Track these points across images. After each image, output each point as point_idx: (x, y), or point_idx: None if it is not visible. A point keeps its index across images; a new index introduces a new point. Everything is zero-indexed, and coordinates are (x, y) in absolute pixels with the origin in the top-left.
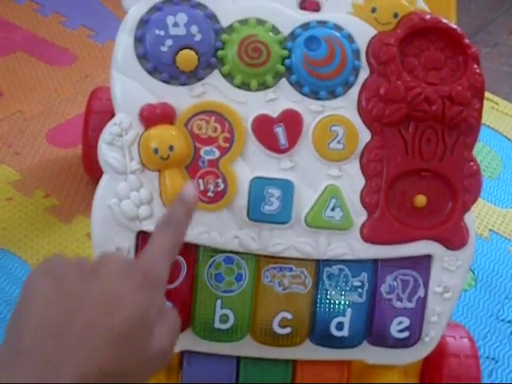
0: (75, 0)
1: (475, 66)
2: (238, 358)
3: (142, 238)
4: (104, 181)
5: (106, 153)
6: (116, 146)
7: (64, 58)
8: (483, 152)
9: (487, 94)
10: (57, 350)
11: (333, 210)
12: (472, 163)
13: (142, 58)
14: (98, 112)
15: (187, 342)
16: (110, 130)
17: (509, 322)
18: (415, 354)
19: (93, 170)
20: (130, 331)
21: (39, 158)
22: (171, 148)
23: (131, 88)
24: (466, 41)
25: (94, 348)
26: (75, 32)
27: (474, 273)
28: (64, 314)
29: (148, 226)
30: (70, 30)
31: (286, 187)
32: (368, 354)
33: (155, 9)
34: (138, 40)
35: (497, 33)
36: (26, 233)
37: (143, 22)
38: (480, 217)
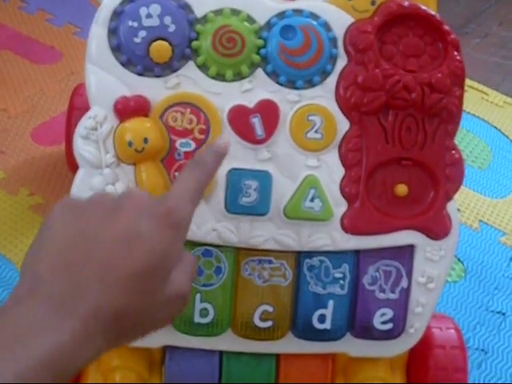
0: None
1: (455, 53)
2: (221, 353)
3: None
4: (80, 175)
5: (81, 147)
6: (91, 140)
7: (49, 56)
8: (473, 143)
9: (477, 85)
10: (74, 284)
11: (312, 200)
12: (454, 151)
13: (116, 50)
14: (81, 109)
15: (168, 337)
16: (84, 123)
17: (498, 312)
18: (400, 346)
19: (76, 167)
20: (149, 268)
21: (24, 157)
22: (146, 140)
23: (105, 81)
24: (446, 27)
25: (111, 283)
26: (61, 29)
27: (463, 264)
28: (83, 248)
29: None
30: (55, 27)
31: (264, 178)
32: (351, 346)
33: (129, 0)
34: (112, 32)
35: (487, 23)
36: (11, 231)
37: (117, 14)
38: (470, 208)
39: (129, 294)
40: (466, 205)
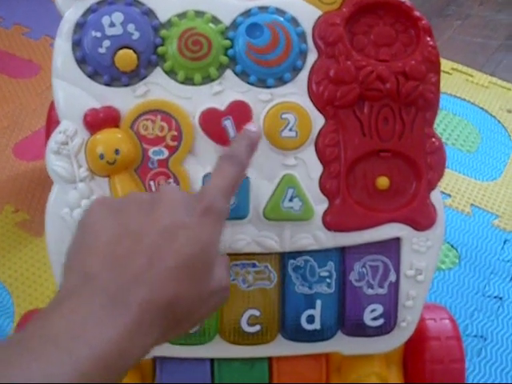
0: (38, 10)
1: (428, 39)
2: (212, 360)
3: None
4: (54, 191)
5: (54, 162)
6: (63, 155)
7: (27, 70)
8: (460, 126)
9: (461, 67)
10: (125, 277)
11: (291, 200)
12: (434, 139)
13: (82, 62)
14: (59, 122)
15: (156, 348)
16: (55, 138)
17: (496, 297)
18: (393, 341)
19: None
20: (195, 256)
21: (7, 173)
22: (117, 152)
23: (73, 94)
24: (417, 13)
25: (162, 274)
26: (38, 42)
27: (457, 250)
28: (129, 242)
29: None
30: (33, 40)
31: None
32: (343, 345)
33: (90, 10)
34: (76, 44)
35: (468, 4)
36: None
37: (79, 26)
38: (460, 192)
39: (179, 282)
40: (456, 190)
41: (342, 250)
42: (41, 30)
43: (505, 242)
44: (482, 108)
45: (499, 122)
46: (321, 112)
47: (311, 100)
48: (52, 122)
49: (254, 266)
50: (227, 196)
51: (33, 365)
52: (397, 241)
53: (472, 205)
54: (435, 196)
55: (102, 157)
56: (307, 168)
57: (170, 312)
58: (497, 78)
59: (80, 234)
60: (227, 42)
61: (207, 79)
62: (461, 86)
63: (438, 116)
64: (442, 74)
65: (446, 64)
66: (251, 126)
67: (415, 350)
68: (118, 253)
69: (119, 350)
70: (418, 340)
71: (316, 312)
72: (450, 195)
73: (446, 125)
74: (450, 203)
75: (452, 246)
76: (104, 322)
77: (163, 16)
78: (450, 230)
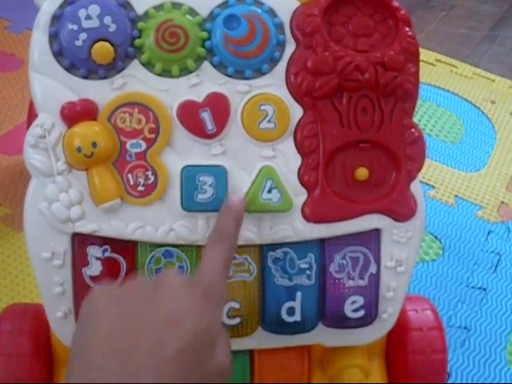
0: (20, 4)
1: (407, 29)
2: None
3: (78, 240)
4: (32, 185)
5: (32, 156)
6: (40, 148)
7: (10, 64)
8: (444, 117)
9: (445, 58)
10: (127, 369)
11: (269, 192)
12: (413, 130)
13: (58, 55)
14: None
15: None
16: (32, 132)
17: (479, 288)
18: (374, 333)
19: None
20: (197, 343)
21: None
22: (94, 145)
23: (50, 87)
24: (395, 4)
25: (163, 365)
26: (21, 36)
27: (441, 242)
28: (130, 334)
29: (81, 227)
30: (15, 34)
31: (219, 173)
32: (325, 337)
33: (67, 3)
34: (53, 37)
35: None
36: None
37: (56, 18)
38: (444, 184)
39: (181, 371)
40: (440, 181)
41: (322, 242)
42: (23, 24)
43: (488, 233)
44: (465, 99)
45: (483, 112)
46: (299, 103)
47: (289, 91)
48: (33, 116)
49: (233, 258)
50: (223, 276)
51: None
52: (377, 232)
53: (456, 196)
54: (415, 187)
55: (79, 150)
56: (286, 159)
57: None
58: (481, 69)
59: (82, 324)
60: (204, 34)
61: (185, 71)
62: (445, 77)
63: (422, 107)
64: (426, 66)
65: (430, 55)
66: (233, 198)
67: (397, 341)
68: (120, 344)
69: None
70: (400, 331)
71: (296, 304)
72: (433, 186)
73: (430, 116)
74: (434, 194)
75: (436, 238)
76: None
77: (140, 8)
78: (434, 221)
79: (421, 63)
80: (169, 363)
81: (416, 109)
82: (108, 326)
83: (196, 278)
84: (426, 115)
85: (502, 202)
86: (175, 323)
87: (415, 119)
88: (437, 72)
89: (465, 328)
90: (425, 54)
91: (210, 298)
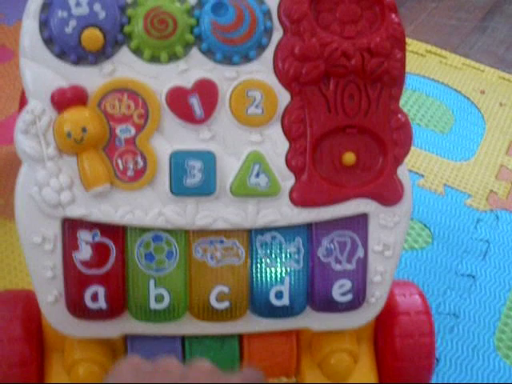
0: None
1: (393, 16)
2: (183, 338)
3: (68, 225)
4: (23, 170)
5: (22, 141)
6: (31, 134)
7: (1, 55)
8: (434, 107)
9: (435, 49)
10: None
11: (257, 176)
12: (400, 115)
13: (49, 41)
14: None
15: (126, 325)
16: (23, 118)
17: (468, 275)
18: (362, 317)
19: None
20: None
21: None
22: (84, 130)
23: (41, 73)
24: None
25: None
26: (12, 28)
27: (430, 230)
28: None
29: (72, 212)
30: (6, 26)
31: (207, 158)
32: (313, 321)
33: None
34: (43, 24)
35: None
36: None
37: (46, 5)
38: (433, 172)
39: None
40: (429, 170)
41: (310, 226)
42: (14, 16)
43: (477, 221)
44: (455, 89)
45: (472, 102)
46: (286, 89)
47: (277, 77)
48: (24, 104)
49: (221, 242)
50: None
51: None
52: (364, 216)
53: (445, 185)
54: (402, 172)
55: (69, 135)
56: (273, 144)
57: None
58: (470, 60)
59: None
60: (193, 21)
61: (173, 57)
62: (435, 67)
63: (412, 97)
64: (416, 56)
65: (420, 46)
66: None
67: (385, 325)
68: None
69: None
70: (388, 315)
71: (284, 288)
72: (423, 175)
73: (420, 106)
74: (423, 183)
75: (425, 226)
76: None
77: None
78: (423, 209)
79: (411, 54)
80: None
81: (406, 99)
82: None
83: (229, 374)
84: (415, 105)
85: (491, 191)
86: None
87: (405, 109)
88: (427, 63)
89: (454, 315)
90: (415, 45)
91: None
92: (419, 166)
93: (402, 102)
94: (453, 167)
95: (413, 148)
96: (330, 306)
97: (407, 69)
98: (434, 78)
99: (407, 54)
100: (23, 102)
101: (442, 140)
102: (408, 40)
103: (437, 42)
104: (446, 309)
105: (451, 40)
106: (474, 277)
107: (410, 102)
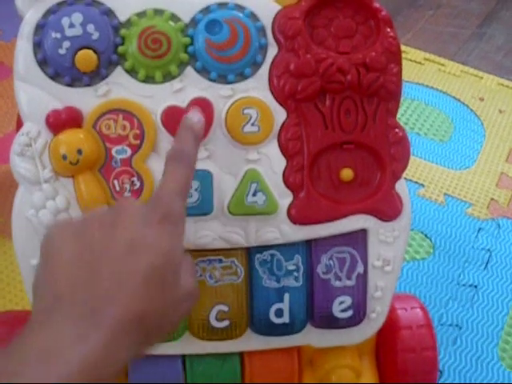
0: (9, 12)
1: (388, 30)
2: (184, 357)
3: None
4: (20, 193)
5: (18, 164)
6: (27, 157)
7: None
8: (433, 115)
9: (433, 57)
10: (93, 296)
11: (254, 194)
12: (397, 130)
13: (43, 63)
14: None
15: None
16: (18, 140)
17: (470, 285)
18: (364, 332)
19: None
20: (161, 268)
21: None
22: (80, 152)
23: (35, 96)
24: (376, 4)
25: (130, 290)
26: (10, 44)
27: (431, 240)
28: (94, 263)
29: None
30: (4, 42)
31: (204, 177)
32: (314, 337)
33: (50, 12)
34: (37, 45)
35: None
36: None
37: (40, 27)
38: (434, 182)
39: (148, 296)
40: (429, 179)
41: (309, 243)
42: (12, 32)
43: (479, 231)
44: (454, 97)
45: (472, 110)
46: (282, 106)
47: (272, 94)
48: (21, 125)
49: (220, 261)
50: (183, 197)
51: None
52: (363, 232)
53: (445, 194)
54: (400, 186)
55: (64, 157)
56: (270, 162)
57: (142, 325)
58: (469, 67)
59: (44, 258)
60: (187, 40)
61: (168, 77)
62: (433, 75)
63: (411, 106)
64: (414, 65)
65: (418, 54)
66: (192, 116)
67: (387, 340)
68: (84, 273)
69: (95, 365)
70: (390, 330)
71: (284, 305)
72: (423, 185)
73: (419, 115)
74: (424, 193)
75: (426, 236)
76: (78, 339)
77: (123, 15)
78: (424, 219)
79: (409, 62)
80: (132, 291)
81: (405, 108)
82: (70, 258)
83: (154, 201)
84: (414, 114)
85: (492, 199)
86: (137, 249)
87: (404, 118)
88: (425, 71)
89: (456, 326)
90: (413, 53)
91: (169, 220)
92: (419, 176)
93: (400, 111)
94: (453, 176)
95: (412, 157)
96: (330, 322)
97: (405, 77)
98: (433, 85)
99: (405, 62)
100: (20, 122)
101: (442, 148)
102: (406, 48)
103: (435, 49)
104: (448, 320)
105: (449, 47)
106: (476, 287)
107: (408, 110)
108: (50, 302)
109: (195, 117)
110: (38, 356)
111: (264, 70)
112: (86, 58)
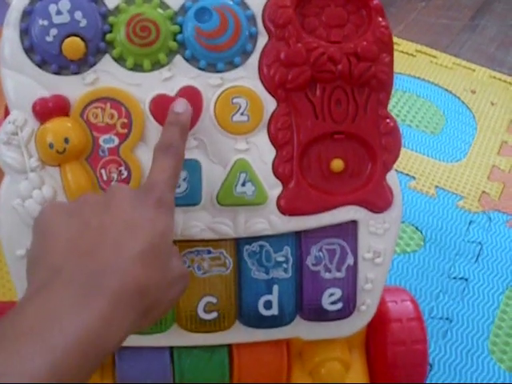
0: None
1: (380, 19)
2: (172, 349)
3: None
4: (6, 182)
5: (4, 153)
6: (13, 145)
7: None
8: (424, 107)
9: (425, 49)
10: (93, 267)
11: (243, 185)
12: (388, 120)
13: (30, 51)
14: None
15: None
16: (4, 129)
17: (461, 279)
18: (354, 325)
19: None
20: (156, 246)
21: None
22: (66, 140)
23: (22, 83)
24: None
25: (129, 263)
26: None
27: (422, 233)
28: (91, 237)
29: None
30: None
31: (193, 167)
32: (303, 330)
33: None
34: (24, 33)
35: None
36: None
37: (27, 14)
38: (425, 174)
39: (146, 269)
40: (421, 172)
41: (298, 234)
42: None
43: (470, 223)
44: (446, 89)
45: (463, 102)
46: (272, 95)
47: (262, 83)
48: (8, 113)
49: (208, 252)
50: (172, 188)
51: (9, 362)
52: (353, 224)
53: (437, 186)
54: (391, 178)
55: (51, 146)
56: (260, 152)
57: (141, 297)
58: (461, 59)
59: (39, 236)
60: (176, 28)
61: (156, 65)
62: (425, 67)
63: (402, 98)
64: (406, 56)
65: (410, 46)
66: (178, 107)
67: (377, 332)
68: (82, 246)
69: (95, 336)
70: (380, 323)
71: (273, 297)
72: (414, 177)
73: (410, 107)
74: (415, 185)
75: (417, 229)
76: (78, 310)
77: (111, 3)
78: (415, 212)
79: (401, 54)
80: (131, 263)
81: (396, 100)
82: (67, 235)
83: (146, 187)
84: (406, 106)
85: (483, 192)
86: (133, 227)
87: (395, 110)
88: (417, 63)
89: (447, 319)
90: (405, 45)
91: (162, 204)
92: (410, 168)
93: (392, 103)
94: (444, 168)
95: (404, 149)
96: (319, 315)
97: (397, 69)
98: (425, 78)
99: (397, 54)
100: (7, 110)
101: (433, 141)
102: (398, 40)
103: (427, 41)
104: (439, 313)
105: (441, 39)
106: (466, 280)
107: (400, 102)
108: (47, 275)
109: (182, 107)
110: (34, 328)
111: (254, 59)
112: (74, 46)
